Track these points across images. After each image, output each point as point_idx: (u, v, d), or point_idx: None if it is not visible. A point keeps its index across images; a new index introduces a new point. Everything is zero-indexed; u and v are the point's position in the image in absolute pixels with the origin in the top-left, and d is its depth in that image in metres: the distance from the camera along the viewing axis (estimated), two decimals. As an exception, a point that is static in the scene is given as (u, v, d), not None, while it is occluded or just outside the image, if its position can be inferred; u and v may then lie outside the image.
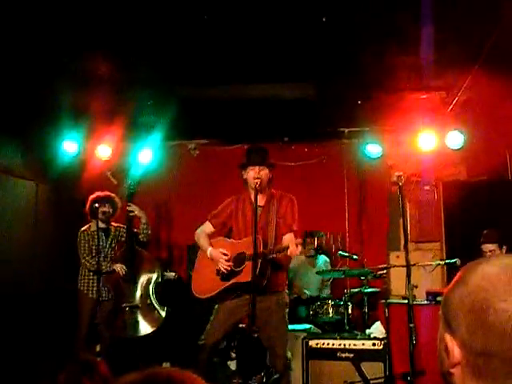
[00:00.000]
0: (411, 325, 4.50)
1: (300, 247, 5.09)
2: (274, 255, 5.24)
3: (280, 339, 5.39)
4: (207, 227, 5.64)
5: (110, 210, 6.81)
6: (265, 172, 5.34)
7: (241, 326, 6.07)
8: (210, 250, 5.47)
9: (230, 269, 5.29)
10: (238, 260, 5.29)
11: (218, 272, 5.39)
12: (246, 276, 5.16)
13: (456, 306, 1.18)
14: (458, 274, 1.22)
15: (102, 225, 6.72)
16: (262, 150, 5.52)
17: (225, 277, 5.35)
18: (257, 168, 5.31)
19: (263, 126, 7.82)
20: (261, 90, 7.04)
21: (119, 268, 6.63)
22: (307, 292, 7.58)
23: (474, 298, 1.14)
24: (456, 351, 1.17)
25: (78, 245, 6.78)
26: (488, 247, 6.17)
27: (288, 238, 5.31)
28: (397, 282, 7.61)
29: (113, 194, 6.91)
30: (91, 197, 6.84)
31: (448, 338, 1.19)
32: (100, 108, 7.19)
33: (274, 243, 5.31)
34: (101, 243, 6.68)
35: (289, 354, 5.46)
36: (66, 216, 7.32)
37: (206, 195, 7.99)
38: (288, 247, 5.07)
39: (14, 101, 6.69)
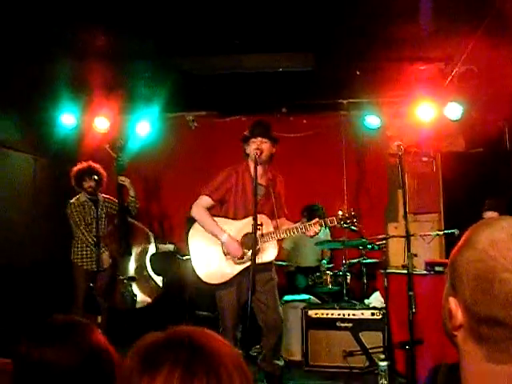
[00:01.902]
0: (410, 293, 4.52)
1: (319, 226, 5.16)
2: (289, 235, 5.29)
3: (276, 315, 5.45)
4: (206, 202, 5.36)
5: (92, 184, 6.77)
6: (267, 145, 5.28)
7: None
8: (226, 237, 5.23)
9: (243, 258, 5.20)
10: (250, 241, 5.11)
11: (229, 255, 5.28)
12: (263, 256, 5.17)
13: (462, 271, 1.17)
14: (466, 235, 1.22)
15: (89, 196, 6.79)
16: (266, 123, 5.47)
17: (238, 260, 5.24)
18: (258, 140, 5.25)
19: (262, 97, 7.81)
20: (259, 60, 7.00)
21: (104, 256, 6.66)
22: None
23: (481, 265, 1.14)
24: (459, 315, 1.18)
25: (70, 217, 6.78)
26: (488, 214, 6.21)
27: (284, 222, 5.40)
28: (395, 253, 7.66)
29: (97, 165, 6.88)
30: (74, 169, 6.85)
31: (452, 301, 1.19)
32: (98, 80, 7.15)
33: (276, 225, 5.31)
34: (92, 213, 6.74)
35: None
36: (65, 189, 7.31)
37: (204, 167, 7.97)
38: (306, 227, 5.14)
39: (11, 74, 6.65)
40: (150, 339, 1.18)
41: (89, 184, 6.75)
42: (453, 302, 1.19)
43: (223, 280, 5.27)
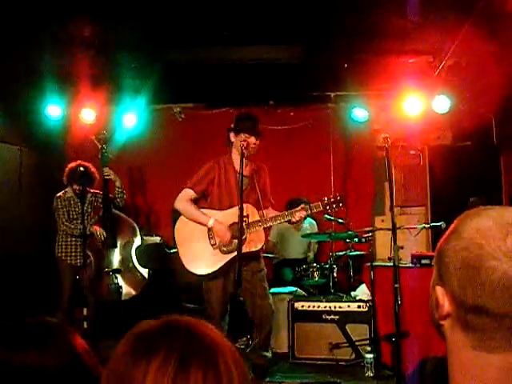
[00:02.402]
0: (396, 285, 4.52)
1: (304, 212, 5.15)
2: (276, 222, 5.29)
3: (267, 305, 5.47)
4: (189, 194, 5.42)
5: (80, 188, 6.67)
6: (253, 139, 5.31)
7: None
8: (213, 221, 5.26)
9: (231, 243, 5.21)
10: (236, 231, 5.12)
11: (216, 245, 5.30)
12: (250, 246, 5.19)
13: (449, 260, 1.17)
14: (453, 225, 1.21)
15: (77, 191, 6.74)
16: (253, 118, 5.48)
17: (225, 250, 5.26)
18: (247, 135, 5.28)
19: (249, 89, 7.76)
20: (247, 52, 6.97)
21: (98, 233, 6.62)
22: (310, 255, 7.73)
23: (468, 254, 1.13)
24: (446, 304, 1.17)
25: (55, 210, 6.74)
26: None
27: (271, 211, 5.44)
28: (382, 246, 7.68)
29: (92, 169, 6.82)
30: (70, 167, 6.78)
31: (439, 289, 1.19)
32: (84, 71, 7.12)
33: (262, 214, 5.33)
34: (77, 209, 6.69)
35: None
36: (51, 180, 7.27)
37: (191, 158, 7.94)
38: (293, 213, 5.14)
39: (-4, 65, 6.60)
40: (145, 326, 1.16)
41: (78, 187, 6.68)
42: (440, 291, 1.19)
43: (210, 270, 5.29)
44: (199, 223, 5.33)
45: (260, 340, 5.51)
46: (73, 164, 6.77)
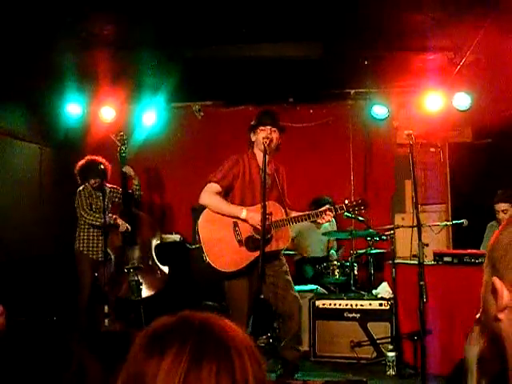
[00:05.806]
0: (421, 283, 4.47)
1: (331, 213, 5.12)
2: (300, 221, 5.26)
3: (291, 296, 5.42)
4: (215, 189, 5.24)
5: (97, 180, 6.77)
6: (276, 134, 5.27)
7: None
8: (245, 212, 5.12)
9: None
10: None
11: (242, 242, 5.19)
12: (276, 244, 5.16)
13: (505, 247, 1.10)
14: (510, 216, 1.15)
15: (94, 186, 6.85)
16: (274, 112, 5.47)
17: (252, 247, 5.13)
18: (268, 128, 5.24)
19: (268, 86, 7.75)
20: (266, 49, 6.93)
21: (121, 223, 6.65)
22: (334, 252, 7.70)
23: None
24: (505, 294, 1.09)
25: (78, 201, 6.81)
26: (501, 206, 6.24)
27: (291, 211, 5.39)
28: (402, 244, 7.62)
29: (100, 159, 6.88)
30: (78, 165, 6.85)
31: (497, 280, 1.11)
32: (104, 70, 7.13)
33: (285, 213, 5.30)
34: (99, 203, 6.76)
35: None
36: (71, 178, 7.31)
37: (210, 156, 7.96)
38: (318, 214, 5.10)
39: (17, 64, 6.63)
40: (161, 322, 1.17)
41: (94, 181, 6.75)
42: (498, 282, 1.11)
43: (238, 267, 5.17)
44: (230, 216, 5.19)
45: (290, 335, 5.44)
46: (82, 161, 6.85)
